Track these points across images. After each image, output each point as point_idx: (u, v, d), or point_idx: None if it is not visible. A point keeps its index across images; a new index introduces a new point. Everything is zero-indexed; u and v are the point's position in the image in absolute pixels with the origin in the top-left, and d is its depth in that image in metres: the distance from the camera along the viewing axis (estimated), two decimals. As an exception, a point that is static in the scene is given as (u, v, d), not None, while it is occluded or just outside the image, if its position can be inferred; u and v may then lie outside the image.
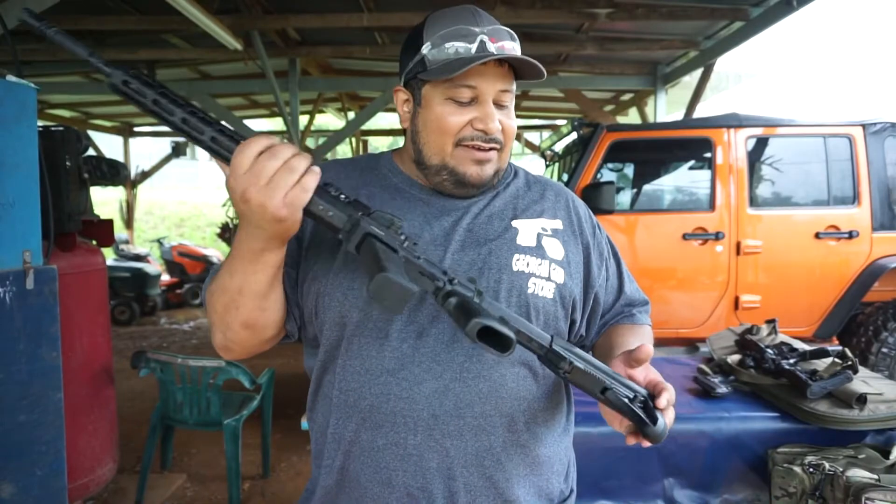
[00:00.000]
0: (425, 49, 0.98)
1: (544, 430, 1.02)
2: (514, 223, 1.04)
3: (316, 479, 1.05)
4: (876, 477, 1.53)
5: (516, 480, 0.98)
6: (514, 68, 0.99)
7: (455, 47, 0.95)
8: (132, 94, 0.79)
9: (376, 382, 0.95)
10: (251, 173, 0.78)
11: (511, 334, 0.76)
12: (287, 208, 0.79)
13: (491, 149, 0.99)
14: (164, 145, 11.93)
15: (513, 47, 0.97)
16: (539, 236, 1.04)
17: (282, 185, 0.78)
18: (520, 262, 0.99)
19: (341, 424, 0.98)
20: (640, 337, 1.08)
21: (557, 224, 1.07)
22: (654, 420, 0.84)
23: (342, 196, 0.85)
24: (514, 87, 1.01)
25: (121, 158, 10.39)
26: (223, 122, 0.84)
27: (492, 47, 0.95)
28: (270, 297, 0.92)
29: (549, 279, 1.00)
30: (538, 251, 1.02)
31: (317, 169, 0.81)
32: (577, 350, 0.87)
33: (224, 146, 0.82)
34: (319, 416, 1.03)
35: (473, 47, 0.95)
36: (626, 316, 1.15)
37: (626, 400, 0.85)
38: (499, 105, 0.99)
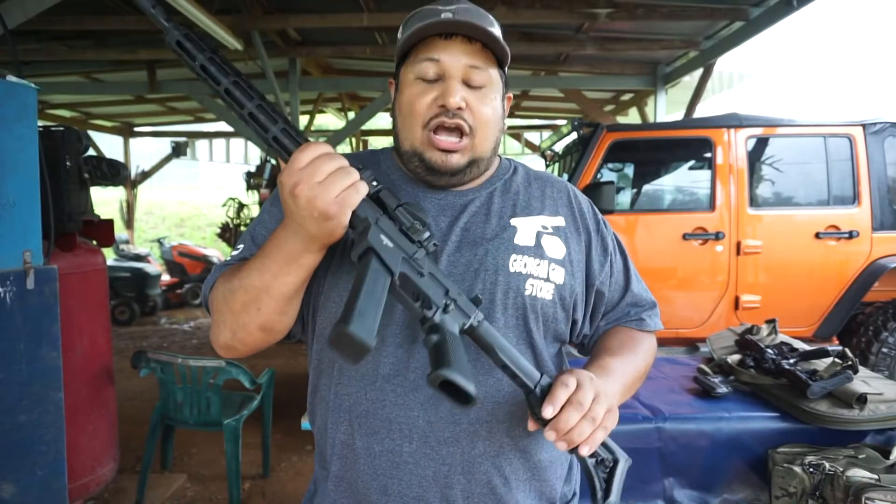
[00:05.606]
0: (399, 34, 0.99)
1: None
2: (513, 221, 1.01)
3: (317, 478, 1.04)
4: (876, 477, 1.53)
5: (516, 485, 0.96)
6: (492, 51, 0.95)
7: (418, 25, 0.94)
8: (183, 55, 0.82)
9: (372, 388, 0.93)
10: (307, 170, 0.78)
11: (472, 392, 0.75)
12: (337, 206, 0.79)
13: (455, 128, 0.95)
14: (164, 145, 11.90)
15: (481, 25, 0.93)
16: (538, 235, 1.00)
17: (336, 184, 0.78)
18: (517, 263, 0.97)
19: (337, 427, 0.97)
20: (633, 349, 1.04)
21: (559, 221, 1.04)
22: (608, 494, 0.88)
23: (374, 182, 0.85)
24: (490, 70, 0.96)
25: (121, 158, 10.39)
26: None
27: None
28: (294, 301, 0.90)
29: (547, 280, 0.98)
30: (537, 251, 0.99)
31: (365, 185, 0.82)
32: None
33: (260, 123, 0.83)
34: (318, 417, 1.02)
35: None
36: (633, 320, 1.10)
37: (593, 463, 0.89)
38: (470, 85, 0.95)
